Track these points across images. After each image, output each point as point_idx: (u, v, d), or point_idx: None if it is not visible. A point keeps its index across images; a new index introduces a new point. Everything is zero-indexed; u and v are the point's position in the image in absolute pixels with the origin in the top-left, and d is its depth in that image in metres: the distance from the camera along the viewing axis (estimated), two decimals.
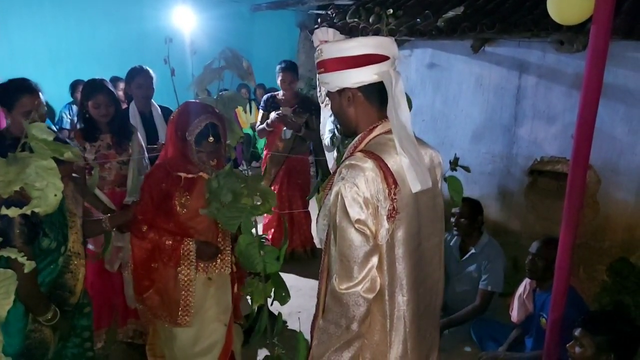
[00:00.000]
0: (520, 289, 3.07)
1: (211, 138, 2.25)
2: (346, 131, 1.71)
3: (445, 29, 3.94)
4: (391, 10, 4.09)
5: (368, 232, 1.47)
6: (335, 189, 1.50)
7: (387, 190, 1.48)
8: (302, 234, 4.79)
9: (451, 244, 3.62)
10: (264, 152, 4.84)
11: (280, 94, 4.62)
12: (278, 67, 4.62)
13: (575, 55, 3.72)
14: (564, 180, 2.22)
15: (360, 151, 1.55)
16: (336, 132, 2.48)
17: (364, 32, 4.37)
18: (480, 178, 4.49)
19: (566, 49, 3.71)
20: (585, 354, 2.08)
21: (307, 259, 4.76)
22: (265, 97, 4.76)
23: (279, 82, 4.59)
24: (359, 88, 1.58)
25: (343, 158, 1.65)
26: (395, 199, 1.49)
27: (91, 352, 2.37)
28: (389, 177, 1.49)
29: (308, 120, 4.45)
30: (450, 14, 4.07)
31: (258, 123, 4.67)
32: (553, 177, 4.23)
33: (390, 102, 1.55)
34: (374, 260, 1.49)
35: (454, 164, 2.36)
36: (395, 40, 4.70)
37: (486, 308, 3.37)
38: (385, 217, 1.49)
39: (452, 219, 3.48)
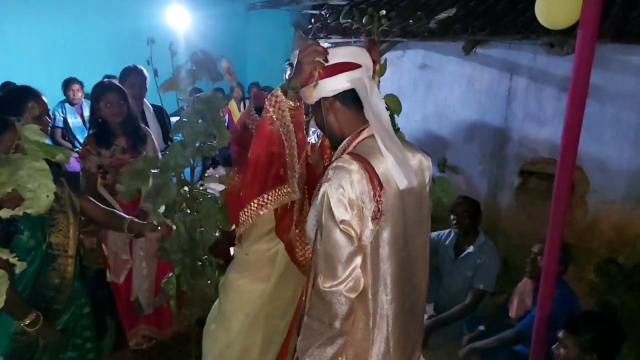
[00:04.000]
0: (521, 287, 3.12)
1: None
2: (334, 140, 1.74)
3: (438, 31, 3.98)
4: (384, 11, 4.11)
5: (352, 232, 1.51)
6: (322, 190, 1.54)
7: (372, 192, 1.51)
8: None
9: (446, 243, 3.64)
10: None
11: None
12: (286, 63, 4.65)
13: (565, 58, 3.76)
14: (554, 181, 2.26)
15: (348, 153, 1.59)
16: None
17: (357, 33, 4.40)
18: (471, 178, 4.53)
19: (556, 52, 3.76)
20: (569, 355, 2.11)
21: None
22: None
23: (286, 77, 4.62)
24: (335, 96, 1.64)
25: (332, 160, 1.68)
26: (380, 200, 1.53)
27: (93, 353, 2.35)
28: (375, 179, 1.52)
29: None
30: (443, 15, 4.11)
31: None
32: (543, 178, 4.27)
33: (367, 107, 1.61)
34: (358, 260, 1.52)
35: (442, 165, 2.39)
36: (388, 41, 4.74)
37: (477, 307, 3.40)
38: (369, 219, 1.52)
39: (452, 217, 3.50)
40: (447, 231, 3.68)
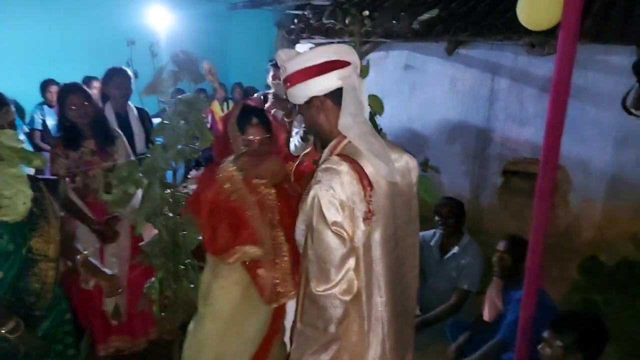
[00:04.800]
0: (491, 289, 3.12)
1: (255, 119, 2.15)
2: (323, 140, 1.72)
3: (420, 32, 4.00)
4: (367, 12, 4.11)
5: (345, 234, 1.49)
6: (311, 193, 1.52)
7: (362, 193, 1.51)
8: None
9: (431, 243, 3.65)
10: None
11: (271, 92, 4.62)
12: (269, 64, 4.63)
13: (546, 58, 3.79)
14: (536, 181, 2.27)
15: (336, 155, 1.58)
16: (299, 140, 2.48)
17: (340, 33, 4.39)
18: (454, 178, 4.55)
19: (537, 52, 3.79)
20: (554, 354, 2.12)
21: None
22: (256, 94, 4.78)
23: (269, 78, 4.61)
24: (326, 95, 1.62)
25: (320, 162, 1.67)
26: (370, 201, 1.52)
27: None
28: (365, 180, 1.51)
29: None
30: (425, 16, 4.12)
31: None
32: (525, 178, 4.30)
33: (353, 105, 1.60)
34: (351, 262, 1.51)
35: (425, 165, 2.40)
36: (372, 41, 4.75)
37: (462, 307, 3.41)
38: (361, 220, 1.51)
39: (437, 218, 3.51)
40: (431, 232, 3.69)
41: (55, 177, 3.03)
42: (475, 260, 3.43)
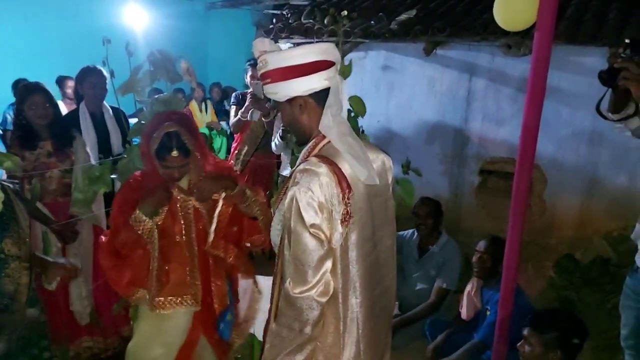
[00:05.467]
0: (469, 287, 3.16)
1: (175, 152, 2.04)
2: (301, 139, 1.71)
3: (398, 32, 4.01)
4: (346, 12, 4.10)
5: (322, 236, 1.49)
6: (289, 194, 1.50)
7: (341, 195, 1.50)
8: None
9: (410, 242, 3.68)
10: (233, 146, 4.80)
11: (249, 92, 4.61)
12: (247, 64, 4.60)
13: (522, 59, 3.84)
14: (512, 180, 2.29)
15: (315, 156, 1.56)
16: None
17: (319, 33, 4.38)
18: (433, 178, 4.58)
19: (514, 53, 3.83)
20: (534, 352, 2.14)
21: (264, 260, 4.73)
22: (235, 93, 4.76)
23: (248, 78, 4.59)
24: (310, 95, 1.59)
25: (297, 163, 1.65)
26: (349, 203, 1.51)
27: None
28: (343, 182, 1.51)
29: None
30: (403, 16, 4.14)
31: (232, 118, 4.65)
32: (502, 177, 4.36)
33: (335, 106, 1.59)
34: (328, 264, 1.50)
35: (406, 167, 2.40)
36: (350, 41, 4.74)
37: (441, 305, 3.43)
38: (339, 222, 1.51)
39: (416, 219, 3.54)
40: (410, 231, 3.72)
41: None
42: (453, 259, 3.46)
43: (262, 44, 1.66)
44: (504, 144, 4.25)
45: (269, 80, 1.60)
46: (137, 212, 2.11)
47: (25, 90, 2.91)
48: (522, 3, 2.08)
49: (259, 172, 4.64)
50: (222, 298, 2.33)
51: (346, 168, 1.54)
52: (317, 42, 4.33)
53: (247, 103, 4.36)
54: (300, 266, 1.48)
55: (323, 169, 1.50)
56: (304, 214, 1.46)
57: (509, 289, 2.37)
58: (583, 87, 3.76)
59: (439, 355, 3.06)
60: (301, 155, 1.68)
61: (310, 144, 1.65)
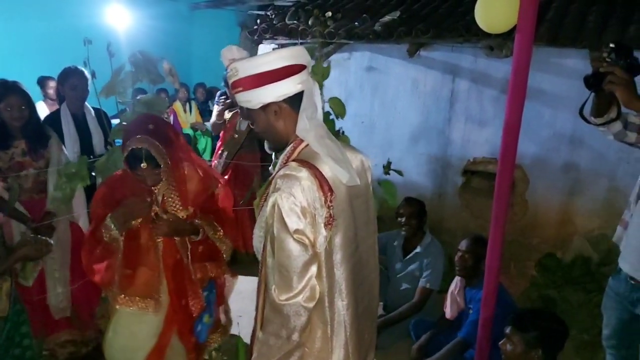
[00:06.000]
0: (452, 286, 3.18)
1: (144, 164, 2.05)
2: (277, 145, 1.69)
3: (382, 33, 4.02)
4: (330, 13, 4.12)
5: (307, 241, 1.47)
6: (271, 200, 1.49)
7: (323, 198, 1.49)
8: (244, 235, 4.74)
9: (395, 243, 3.69)
10: (218, 145, 4.80)
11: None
12: (225, 73, 4.59)
13: (504, 61, 3.88)
14: (495, 180, 2.32)
15: (294, 160, 1.55)
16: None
17: (303, 34, 4.39)
18: (417, 178, 4.61)
19: (496, 54, 3.87)
20: (515, 351, 2.16)
21: (249, 262, 4.72)
22: (219, 92, 4.74)
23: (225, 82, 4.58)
24: (284, 100, 1.57)
25: (277, 168, 1.63)
26: (331, 206, 1.50)
27: None
28: (325, 185, 1.49)
29: None
30: (387, 18, 4.16)
31: (213, 119, 4.65)
32: (485, 177, 4.40)
33: (310, 108, 1.57)
34: (313, 269, 1.49)
35: (387, 168, 2.41)
36: (335, 43, 4.74)
37: (424, 305, 3.45)
38: (322, 225, 1.50)
39: (401, 220, 3.55)
40: (395, 232, 3.73)
41: None
42: (437, 259, 3.48)
43: (230, 52, 1.65)
44: (486, 144, 4.30)
45: (240, 88, 1.57)
46: (108, 219, 2.14)
47: (2, 89, 2.87)
48: (503, 6, 2.10)
49: (241, 173, 4.64)
50: (197, 301, 2.32)
51: (327, 171, 1.53)
52: (300, 43, 4.35)
53: (219, 108, 4.39)
54: (285, 272, 1.46)
55: (304, 173, 1.48)
56: (286, 219, 1.45)
57: (492, 288, 2.39)
58: (564, 89, 3.82)
59: (423, 355, 3.08)
60: (280, 161, 1.66)
61: (288, 149, 1.63)
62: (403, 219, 3.54)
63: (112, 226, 2.14)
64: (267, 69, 1.52)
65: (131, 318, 2.29)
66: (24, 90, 2.90)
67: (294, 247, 1.45)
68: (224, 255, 2.35)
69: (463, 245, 3.03)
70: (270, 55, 1.55)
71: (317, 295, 1.52)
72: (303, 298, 1.47)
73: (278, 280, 1.48)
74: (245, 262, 4.69)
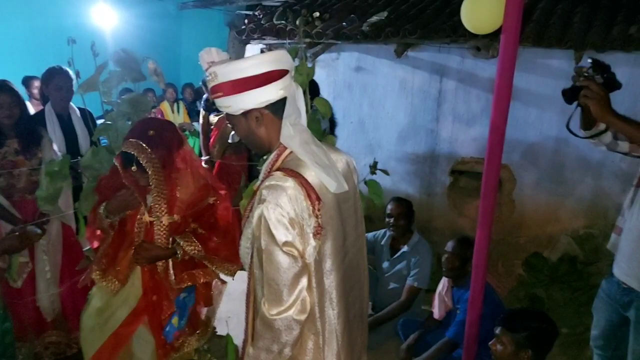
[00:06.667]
0: (440, 287, 3.19)
1: (133, 167, 2.10)
2: (260, 151, 1.66)
3: (370, 34, 4.03)
4: (318, 14, 4.11)
5: (296, 253, 1.43)
6: (257, 212, 1.43)
7: (311, 208, 1.44)
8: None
9: (382, 243, 3.70)
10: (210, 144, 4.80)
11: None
12: (204, 77, 4.58)
13: (491, 61, 3.91)
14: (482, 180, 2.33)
15: (279, 169, 1.50)
16: None
17: (291, 34, 4.38)
18: (405, 178, 4.62)
19: (483, 55, 3.89)
20: (505, 351, 2.17)
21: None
22: (204, 97, 4.74)
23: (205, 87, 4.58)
24: (266, 106, 1.52)
25: (261, 178, 1.59)
26: (319, 215, 1.46)
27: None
28: (312, 194, 1.45)
29: None
30: (375, 18, 4.16)
31: (201, 121, 4.72)
32: (472, 177, 4.43)
33: (294, 114, 1.53)
34: (304, 281, 1.45)
35: (373, 167, 2.41)
36: (322, 43, 4.74)
37: (412, 304, 3.46)
38: (311, 235, 1.46)
39: (389, 220, 3.56)
40: (382, 231, 3.74)
41: None
42: (424, 258, 3.49)
43: (208, 55, 1.57)
44: (474, 144, 4.32)
45: (220, 93, 1.51)
46: (101, 208, 2.25)
47: None
48: (488, 7, 2.11)
49: (225, 175, 4.63)
50: (168, 303, 2.34)
51: (313, 178, 1.48)
52: (288, 43, 4.34)
53: (204, 113, 4.43)
54: (275, 286, 1.42)
55: (290, 183, 1.43)
56: (274, 232, 1.40)
57: (479, 288, 2.41)
58: (550, 89, 3.84)
59: (412, 355, 3.09)
60: (263, 170, 1.61)
61: (272, 156, 1.58)
62: (392, 219, 3.55)
63: (104, 215, 2.23)
64: (248, 74, 1.47)
65: (105, 295, 2.34)
66: (13, 89, 2.89)
67: (283, 260, 1.41)
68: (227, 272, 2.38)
69: (449, 246, 3.05)
70: (252, 60, 1.49)
71: (308, 307, 1.48)
72: (294, 312, 1.43)
73: (268, 295, 1.44)
74: None
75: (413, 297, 3.44)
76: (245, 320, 1.63)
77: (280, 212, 1.40)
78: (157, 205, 2.21)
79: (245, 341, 1.63)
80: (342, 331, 1.58)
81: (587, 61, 1.97)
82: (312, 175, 1.49)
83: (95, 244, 2.39)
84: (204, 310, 2.56)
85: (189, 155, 2.28)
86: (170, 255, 2.24)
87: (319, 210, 1.46)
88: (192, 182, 2.28)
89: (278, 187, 1.43)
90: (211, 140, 4.68)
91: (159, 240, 2.24)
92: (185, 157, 2.25)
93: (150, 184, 2.14)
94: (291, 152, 1.55)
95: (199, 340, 2.48)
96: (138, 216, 2.26)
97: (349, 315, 1.63)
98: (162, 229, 2.24)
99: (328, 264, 1.53)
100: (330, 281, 1.54)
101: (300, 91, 1.59)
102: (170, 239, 2.24)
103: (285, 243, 1.41)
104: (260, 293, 1.49)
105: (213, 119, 4.48)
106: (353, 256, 1.69)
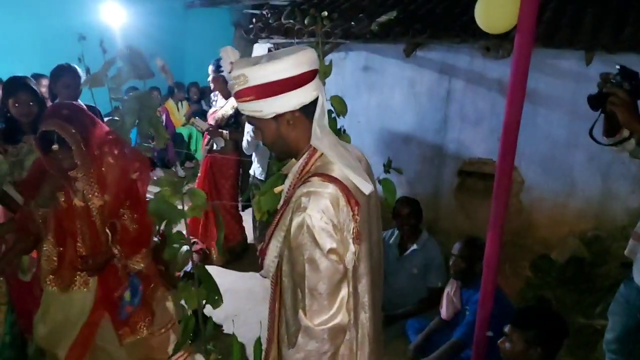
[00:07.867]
0: (448, 288, 3.19)
1: (55, 145, 2.06)
2: (285, 156, 1.61)
3: (379, 33, 4.02)
4: (326, 13, 4.09)
5: (339, 259, 1.41)
6: (297, 220, 1.40)
7: (351, 213, 1.42)
8: (230, 231, 4.73)
9: (390, 241, 3.70)
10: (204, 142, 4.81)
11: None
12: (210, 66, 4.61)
13: (500, 61, 3.89)
14: (490, 181, 2.31)
15: (316, 175, 1.45)
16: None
17: (299, 34, 4.37)
18: (412, 178, 4.61)
19: (492, 55, 3.87)
20: (515, 349, 2.16)
21: (242, 260, 4.71)
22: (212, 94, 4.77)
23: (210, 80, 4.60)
24: (300, 108, 1.48)
25: (292, 181, 1.55)
26: (357, 219, 1.43)
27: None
28: (352, 199, 1.42)
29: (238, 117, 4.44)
30: (384, 18, 4.15)
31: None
32: (480, 178, 4.40)
33: (323, 115, 1.52)
34: (345, 288, 1.44)
35: (388, 166, 2.41)
36: (331, 42, 4.73)
37: (435, 303, 3.46)
38: (351, 241, 1.44)
39: (398, 219, 3.56)
40: (390, 231, 3.74)
41: None
42: (437, 257, 3.54)
43: (227, 54, 1.51)
44: (482, 144, 4.30)
45: (250, 97, 1.44)
46: (31, 205, 2.24)
47: (10, 85, 2.92)
48: (504, 6, 2.10)
49: (216, 168, 4.62)
50: (115, 277, 2.34)
51: (347, 182, 1.45)
52: (296, 43, 4.33)
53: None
54: (318, 295, 1.38)
55: (331, 189, 1.40)
56: (319, 240, 1.37)
57: (489, 289, 2.39)
58: (559, 90, 3.82)
59: (420, 355, 3.08)
60: (294, 174, 1.56)
61: (301, 160, 1.54)
62: (401, 219, 3.55)
63: (34, 207, 2.22)
64: (283, 76, 1.41)
65: (60, 297, 2.33)
66: (32, 87, 2.93)
67: (328, 268, 1.38)
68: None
69: (456, 249, 3.05)
70: (287, 61, 1.42)
71: (348, 313, 1.46)
72: (340, 319, 1.41)
73: (310, 304, 1.40)
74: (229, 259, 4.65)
75: (438, 296, 3.44)
76: (270, 327, 1.61)
77: (323, 220, 1.38)
78: (87, 187, 2.21)
79: (268, 348, 1.62)
80: (372, 334, 1.58)
81: (615, 67, 1.96)
82: (346, 178, 1.46)
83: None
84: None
85: (106, 131, 2.28)
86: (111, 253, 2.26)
87: (357, 214, 1.43)
88: (115, 158, 2.27)
89: (318, 193, 1.40)
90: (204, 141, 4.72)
91: (97, 224, 2.25)
92: (103, 134, 2.25)
93: (76, 160, 2.12)
94: (320, 155, 1.51)
95: (147, 328, 2.44)
96: (73, 203, 2.24)
97: (375, 316, 1.62)
98: (96, 212, 2.25)
99: (362, 267, 1.51)
100: (363, 285, 1.52)
101: (323, 90, 1.56)
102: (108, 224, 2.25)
103: (330, 250, 1.38)
104: (289, 302, 1.48)
105: (199, 122, 4.51)
106: (377, 256, 1.68)
